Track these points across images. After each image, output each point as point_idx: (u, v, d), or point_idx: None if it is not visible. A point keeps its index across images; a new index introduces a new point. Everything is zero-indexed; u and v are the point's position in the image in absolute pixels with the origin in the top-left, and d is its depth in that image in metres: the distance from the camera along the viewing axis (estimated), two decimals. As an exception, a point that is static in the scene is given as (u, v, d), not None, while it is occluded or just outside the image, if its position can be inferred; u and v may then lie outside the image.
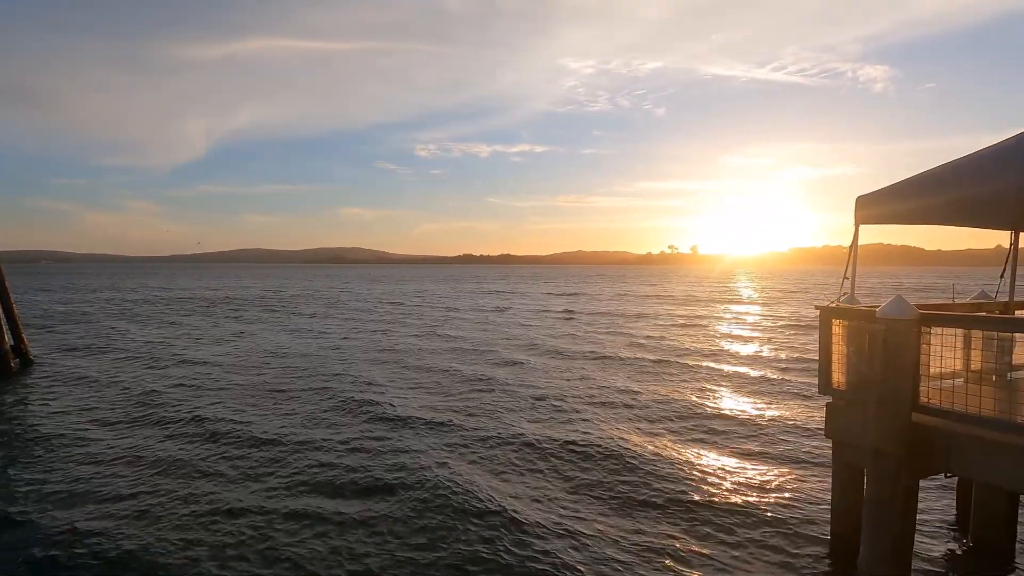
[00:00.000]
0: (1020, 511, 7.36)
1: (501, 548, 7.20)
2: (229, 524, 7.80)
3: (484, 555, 7.04)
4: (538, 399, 15.11)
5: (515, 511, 8.17)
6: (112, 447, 11.08)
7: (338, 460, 10.35)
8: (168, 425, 12.62)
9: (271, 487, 9.17)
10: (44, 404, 14.60)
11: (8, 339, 19.23)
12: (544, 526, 7.76)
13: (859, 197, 6.61)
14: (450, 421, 12.90)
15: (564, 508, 8.44)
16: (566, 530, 7.68)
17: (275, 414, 13.56)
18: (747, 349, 24.77)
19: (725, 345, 26.07)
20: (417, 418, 13.10)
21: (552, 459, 10.51)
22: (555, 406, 14.39)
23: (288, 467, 10.04)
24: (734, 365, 20.70)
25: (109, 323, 34.04)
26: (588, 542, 7.36)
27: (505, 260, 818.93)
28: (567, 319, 38.03)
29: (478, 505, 8.38)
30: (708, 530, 7.69)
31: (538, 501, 8.67)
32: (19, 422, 12.93)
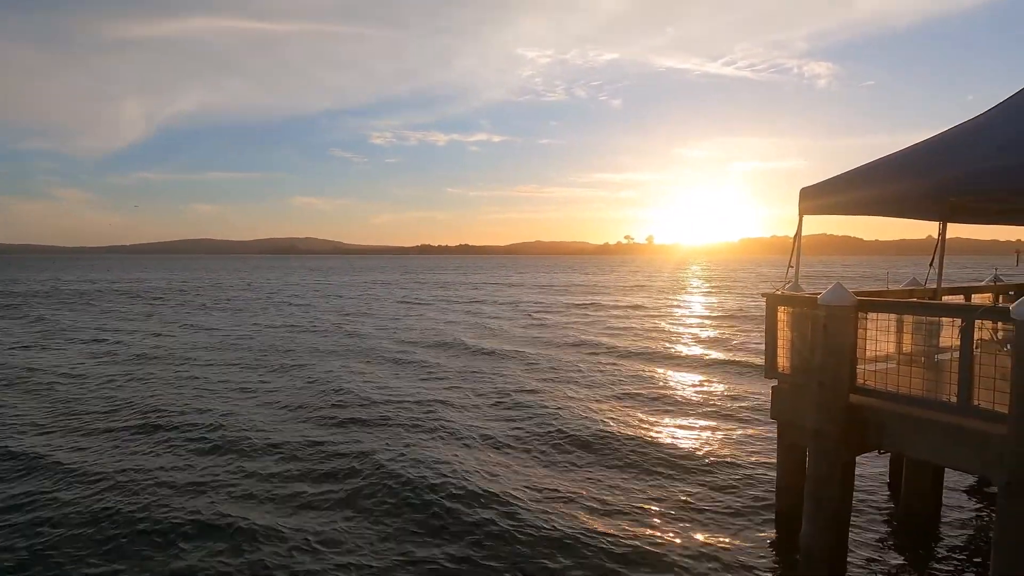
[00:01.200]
0: (944, 483, 7.95)
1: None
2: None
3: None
4: (433, 410, 13.06)
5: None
6: None
7: (104, 488, 8.77)
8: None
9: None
10: None
11: None
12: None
13: (803, 189, 6.91)
14: (298, 439, 11.05)
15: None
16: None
17: (78, 432, 11.64)
18: (697, 338, 25.52)
19: (673, 335, 26.77)
20: (252, 438, 11.10)
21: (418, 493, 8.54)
22: (453, 419, 12.39)
23: (65, 494, 8.53)
24: (682, 353, 21.33)
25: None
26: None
27: (463, 251, 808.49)
28: (511, 313, 36.88)
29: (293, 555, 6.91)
30: (656, 509, 7.98)
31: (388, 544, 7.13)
32: None
